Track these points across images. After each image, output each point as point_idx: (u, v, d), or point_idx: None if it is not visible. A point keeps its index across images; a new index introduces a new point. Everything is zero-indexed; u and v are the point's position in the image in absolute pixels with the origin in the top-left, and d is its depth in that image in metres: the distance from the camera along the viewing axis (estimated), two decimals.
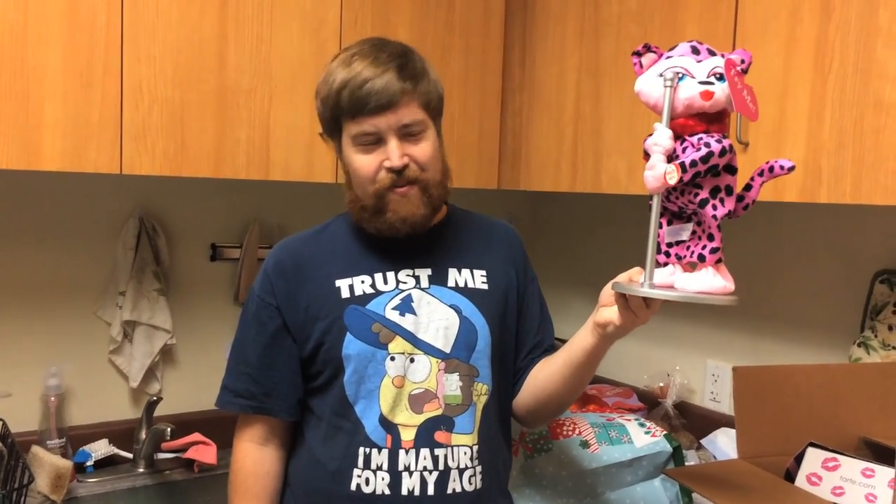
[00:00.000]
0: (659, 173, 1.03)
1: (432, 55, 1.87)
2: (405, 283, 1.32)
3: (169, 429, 1.86)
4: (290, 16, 1.76)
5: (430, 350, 1.29)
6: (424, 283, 1.32)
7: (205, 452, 1.88)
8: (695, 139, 1.05)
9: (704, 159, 1.02)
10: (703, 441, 1.92)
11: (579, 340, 1.27)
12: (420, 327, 1.29)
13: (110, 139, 1.57)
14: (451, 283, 1.34)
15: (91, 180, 1.88)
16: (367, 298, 1.30)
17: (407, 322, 1.29)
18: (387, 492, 1.25)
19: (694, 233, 1.09)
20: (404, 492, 1.25)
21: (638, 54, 1.10)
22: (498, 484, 1.35)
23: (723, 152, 1.03)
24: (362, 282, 1.31)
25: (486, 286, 1.37)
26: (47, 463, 1.69)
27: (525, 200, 2.63)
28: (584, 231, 2.46)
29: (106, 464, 1.89)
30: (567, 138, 1.92)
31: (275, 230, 2.12)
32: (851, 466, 1.31)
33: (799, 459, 1.36)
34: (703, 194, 1.06)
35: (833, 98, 1.37)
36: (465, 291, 1.34)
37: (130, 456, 1.92)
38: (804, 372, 1.50)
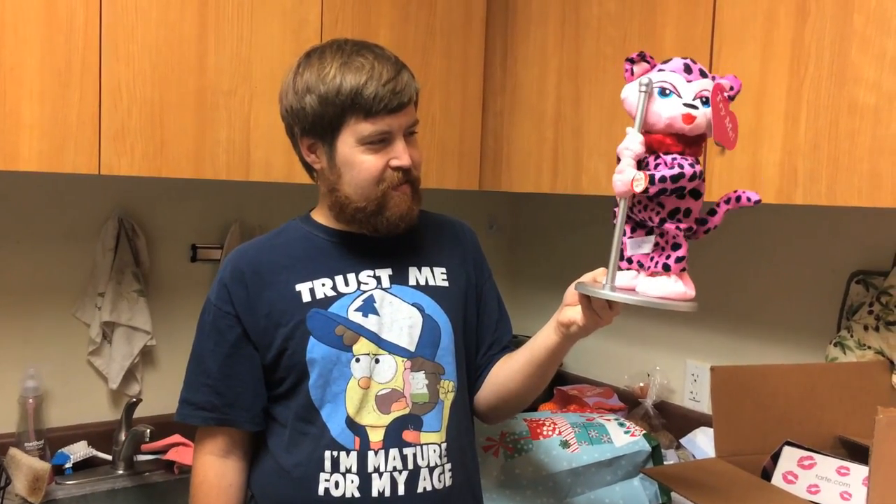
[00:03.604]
0: (627, 178, 1.04)
1: (413, 57, 1.87)
2: (366, 283, 1.31)
3: (149, 430, 1.84)
4: (271, 16, 1.76)
5: (394, 350, 1.29)
6: (386, 283, 1.32)
7: (185, 454, 1.87)
8: (669, 158, 1.05)
9: (675, 179, 1.03)
10: (683, 440, 1.94)
11: (542, 338, 1.28)
12: (384, 327, 1.29)
13: (89, 139, 1.56)
14: (412, 282, 1.34)
15: (69, 181, 1.87)
16: (328, 301, 1.29)
17: (370, 323, 1.29)
18: (357, 494, 1.24)
19: (657, 244, 1.10)
20: (374, 493, 1.24)
21: (631, 61, 1.09)
22: (467, 480, 1.36)
23: (693, 177, 1.04)
24: (323, 285, 1.30)
25: (446, 283, 1.37)
26: (25, 465, 1.68)
27: (506, 202, 2.64)
28: (565, 232, 2.47)
29: (85, 466, 1.87)
30: (548, 140, 1.93)
31: (255, 231, 2.11)
32: (827, 465, 1.32)
33: (775, 458, 1.38)
34: (663, 214, 1.07)
35: (808, 101, 1.38)
36: (426, 289, 1.35)
37: (110, 458, 1.90)
38: (781, 372, 1.52)
